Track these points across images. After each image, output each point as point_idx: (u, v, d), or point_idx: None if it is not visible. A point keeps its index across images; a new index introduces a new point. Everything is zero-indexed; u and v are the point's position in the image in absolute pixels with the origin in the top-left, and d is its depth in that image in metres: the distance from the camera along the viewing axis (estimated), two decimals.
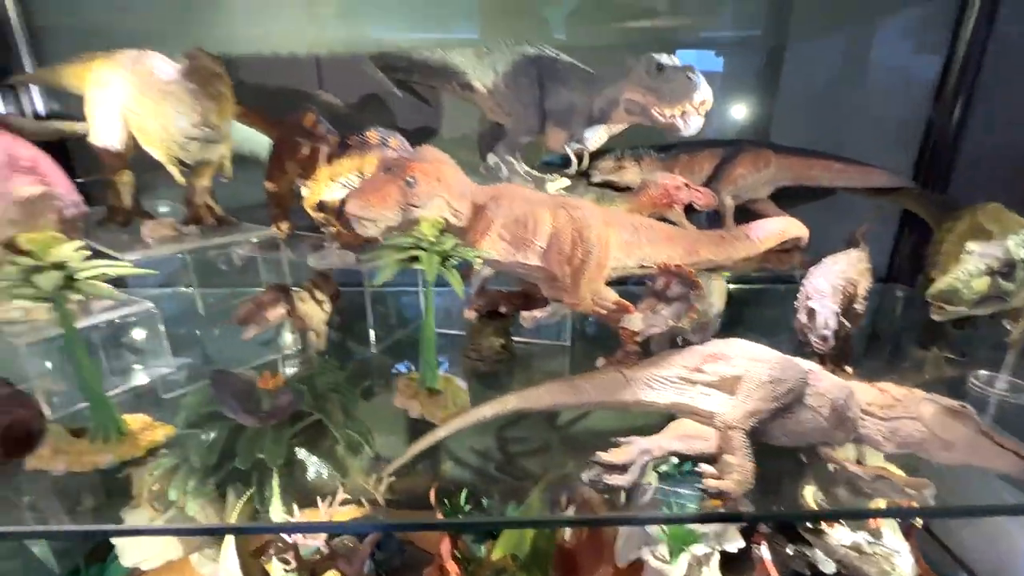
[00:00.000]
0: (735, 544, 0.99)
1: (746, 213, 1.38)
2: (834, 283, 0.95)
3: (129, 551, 1.38)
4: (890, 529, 1.11)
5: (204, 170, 1.03)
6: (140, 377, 0.99)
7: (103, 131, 1.01)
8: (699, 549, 0.96)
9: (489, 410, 0.83)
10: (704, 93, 0.92)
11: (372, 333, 1.11)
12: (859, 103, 1.45)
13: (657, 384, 0.82)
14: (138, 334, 0.95)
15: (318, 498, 0.81)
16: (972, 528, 1.17)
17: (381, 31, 1.37)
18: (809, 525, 1.17)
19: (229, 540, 1.21)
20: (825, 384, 0.75)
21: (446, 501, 0.80)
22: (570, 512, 0.76)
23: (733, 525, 1.23)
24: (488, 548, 1.26)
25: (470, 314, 1.03)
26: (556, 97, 1.11)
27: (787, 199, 1.41)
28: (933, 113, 1.43)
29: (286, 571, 1.17)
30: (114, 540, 1.36)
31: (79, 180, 1.01)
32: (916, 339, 1.19)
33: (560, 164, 1.25)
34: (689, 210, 1.21)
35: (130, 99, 0.96)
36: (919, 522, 1.10)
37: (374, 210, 0.78)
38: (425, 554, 1.29)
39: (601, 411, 0.92)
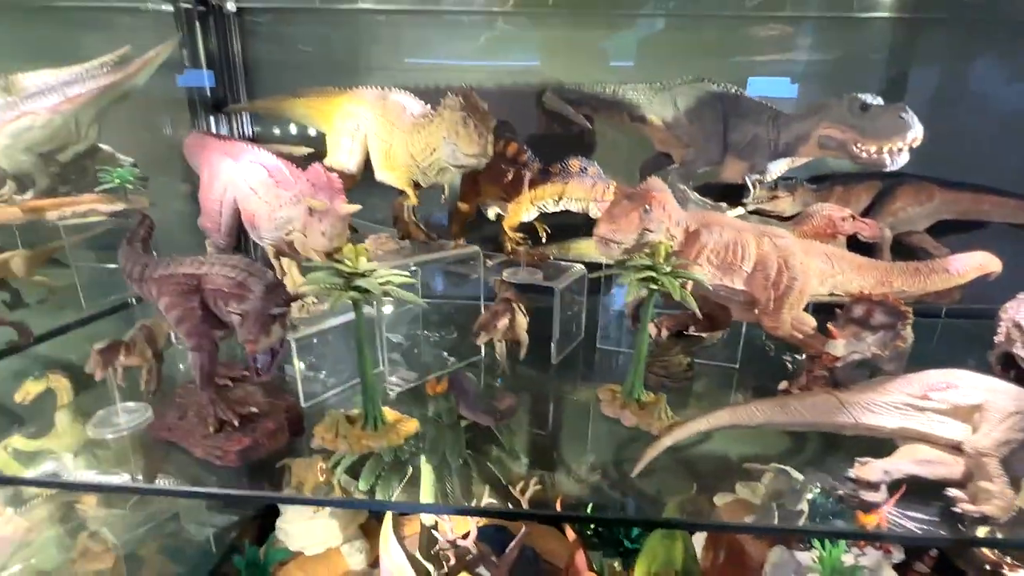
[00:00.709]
0: None
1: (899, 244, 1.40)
2: None
3: (295, 535, 1.49)
4: None
5: (419, 191, 1.15)
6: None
7: (343, 155, 1.16)
8: None
9: (705, 423, 0.88)
10: (917, 131, 0.96)
11: (553, 346, 1.19)
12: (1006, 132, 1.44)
13: (879, 409, 0.85)
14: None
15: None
16: None
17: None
18: (987, 567, 1.15)
19: (388, 532, 1.30)
20: None
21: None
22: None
23: (887, 563, 1.22)
24: (618, 566, 1.29)
25: (662, 332, 1.10)
26: (740, 131, 1.18)
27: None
28: None
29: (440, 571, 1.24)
30: (281, 525, 1.49)
31: None
32: None
33: None
34: (854, 241, 1.23)
35: (379, 129, 1.10)
36: None
37: (620, 233, 0.87)
38: (556, 568, 1.33)
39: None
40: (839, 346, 0.96)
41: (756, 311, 1.00)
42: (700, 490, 0.87)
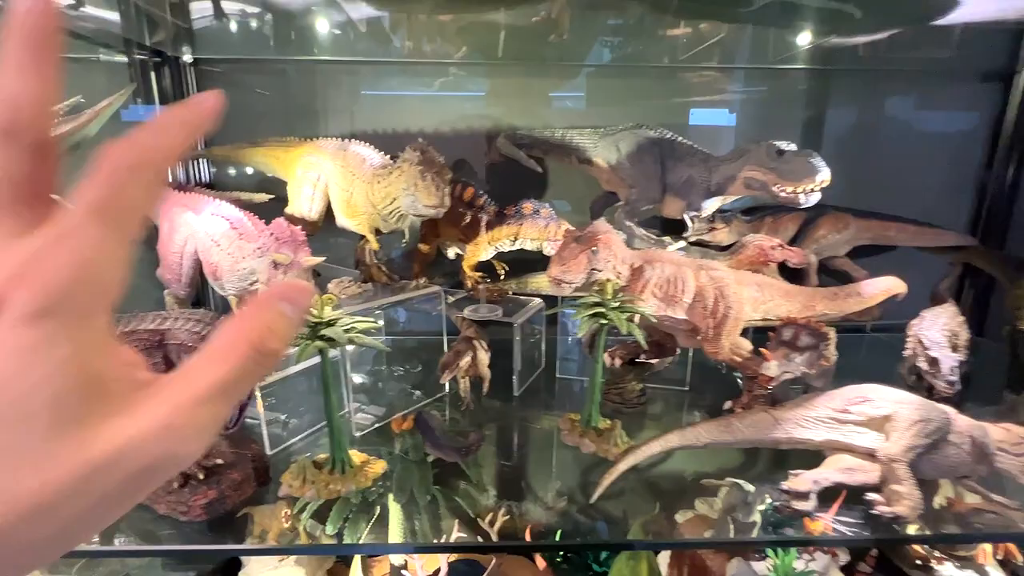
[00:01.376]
0: None
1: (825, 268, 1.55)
2: (944, 334, 1.08)
3: None
4: (992, 567, 1.19)
5: (380, 236, 1.20)
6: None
7: (305, 204, 1.20)
8: None
9: (657, 446, 0.95)
10: (825, 175, 1.10)
11: (515, 378, 1.24)
12: (910, 164, 1.64)
13: (808, 424, 0.94)
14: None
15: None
16: None
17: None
18: (919, 562, 1.26)
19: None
20: (963, 423, 0.87)
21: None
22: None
23: (835, 565, 1.31)
24: None
25: (616, 361, 1.17)
26: (676, 173, 1.29)
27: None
28: (986, 172, 1.61)
29: None
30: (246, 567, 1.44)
31: None
32: (1005, 384, 1.31)
33: None
34: (781, 267, 1.36)
35: (340, 179, 1.14)
36: None
37: (571, 274, 0.94)
38: None
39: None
40: (772, 367, 1.06)
41: (698, 338, 1.09)
42: (663, 508, 0.93)
